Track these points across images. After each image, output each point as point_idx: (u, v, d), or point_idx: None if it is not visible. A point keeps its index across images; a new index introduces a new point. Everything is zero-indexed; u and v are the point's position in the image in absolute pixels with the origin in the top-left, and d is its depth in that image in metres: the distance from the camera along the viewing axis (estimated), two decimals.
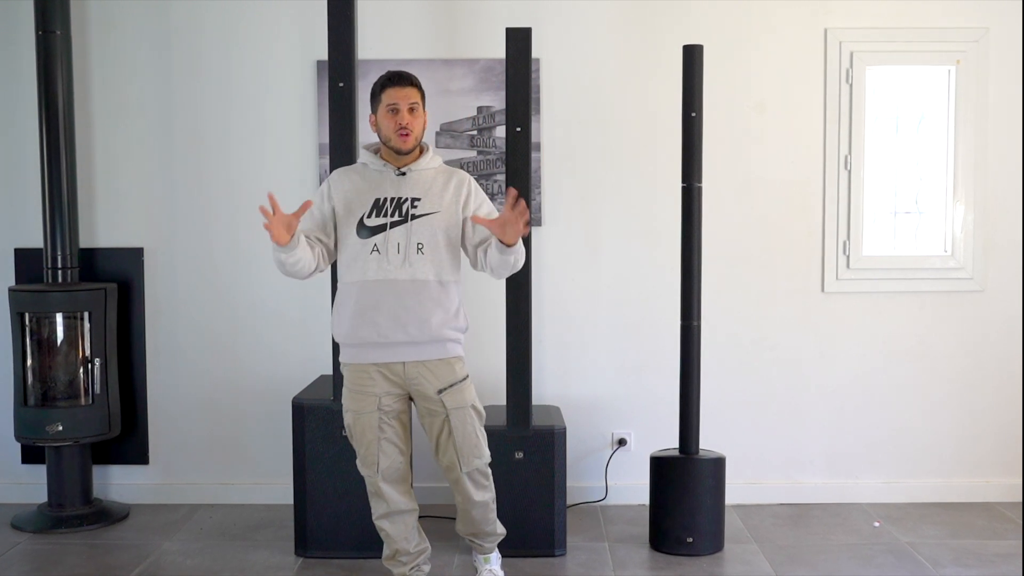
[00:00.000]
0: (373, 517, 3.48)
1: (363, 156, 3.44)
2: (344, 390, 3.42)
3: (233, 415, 4.66)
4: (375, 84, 3.36)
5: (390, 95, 3.29)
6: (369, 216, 3.30)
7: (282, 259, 3.23)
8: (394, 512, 3.44)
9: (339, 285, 3.42)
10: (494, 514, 3.61)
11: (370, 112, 3.39)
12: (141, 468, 4.68)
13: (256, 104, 4.59)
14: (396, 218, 3.29)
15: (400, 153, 3.32)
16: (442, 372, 3.34)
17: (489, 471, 3.50)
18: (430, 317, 3.29)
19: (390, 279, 3.28)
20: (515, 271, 3.39)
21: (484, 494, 3.49)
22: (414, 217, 3.30)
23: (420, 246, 3.28)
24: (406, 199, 3.31)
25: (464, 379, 3.39)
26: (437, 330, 3.31)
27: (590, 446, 4.65)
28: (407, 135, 3.28)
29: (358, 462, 3.44)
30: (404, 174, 3.34)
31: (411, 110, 3.29)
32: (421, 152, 3.39)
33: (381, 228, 3.29)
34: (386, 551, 3.52)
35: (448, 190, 3.36)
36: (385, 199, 3.31)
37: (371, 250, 3.28)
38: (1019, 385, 4.64)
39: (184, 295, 4.64)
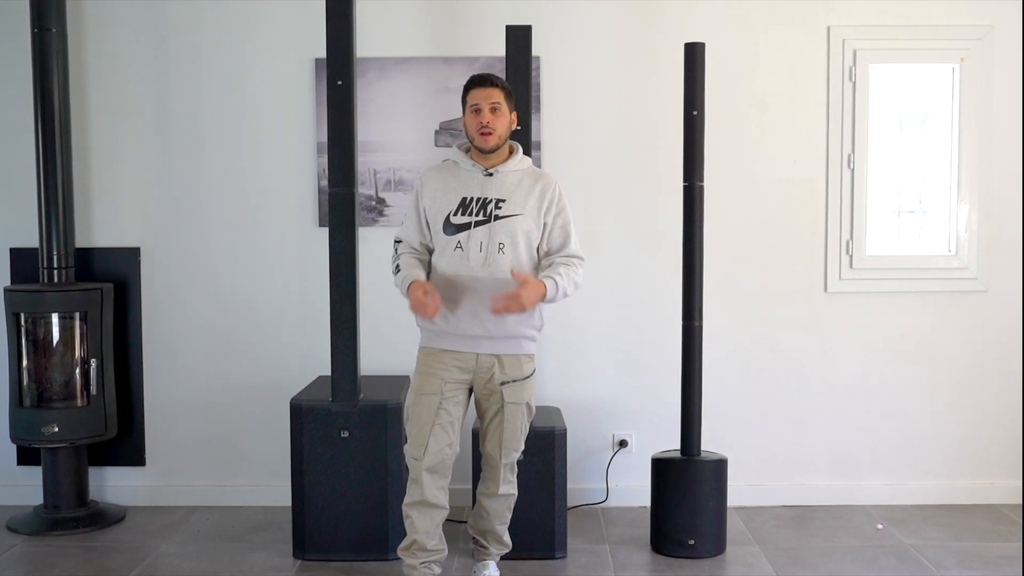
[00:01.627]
0: (404, 503, 3.54)
1: (453, 154, 3.53)
2: (414, 372, 3.55)
3: (231, 416, 4.64)
4: (463, 87, 3.48)
5: (473, 96, 3.41)
6: (455, 214, 3.43)
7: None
8: (425, 504, 3.49)
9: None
10: (509, 514, 3.68)
11: (461, 115, 3.52)
12: (137, 470, 4.65)
13: (254, 102, 4.56)
14: (480, 218, 3.41)
15: (483, 151, 3.43)
16: (511, 366, 3.48)
17: (516, 467, 3.62)
18: (507, 315, 3.39)
19: (472, 276, 3.40)
20: (572, 295, 3.52)
21: (509, 488, 3.61)
22: (497, 218, 3.41)
23: (501, 246, 3.40)
24: (491, 200, 3.42)
25: (529, 376, 3.52)
26: (513, 327, 3.44)
27: (591, 447, 4.62)
28: (488, 134, 3.39)
29: (407, 447, 3.52)
30: (491, 175, 3.45)
31: (493, 110, 3.39)
32: (511, 153, 3.49)
33: (465, 226, 3.41)
34: (405, 541, 3.55)
35: (533, 193, 3.45)
36: (471, 198, 3.43)
37: (455, 247, 3.41)
38: (1020, 386, 4.61)
39: (181, 295, 4.61)
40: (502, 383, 3.47)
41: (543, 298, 3.38)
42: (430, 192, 3.49)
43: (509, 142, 3.50)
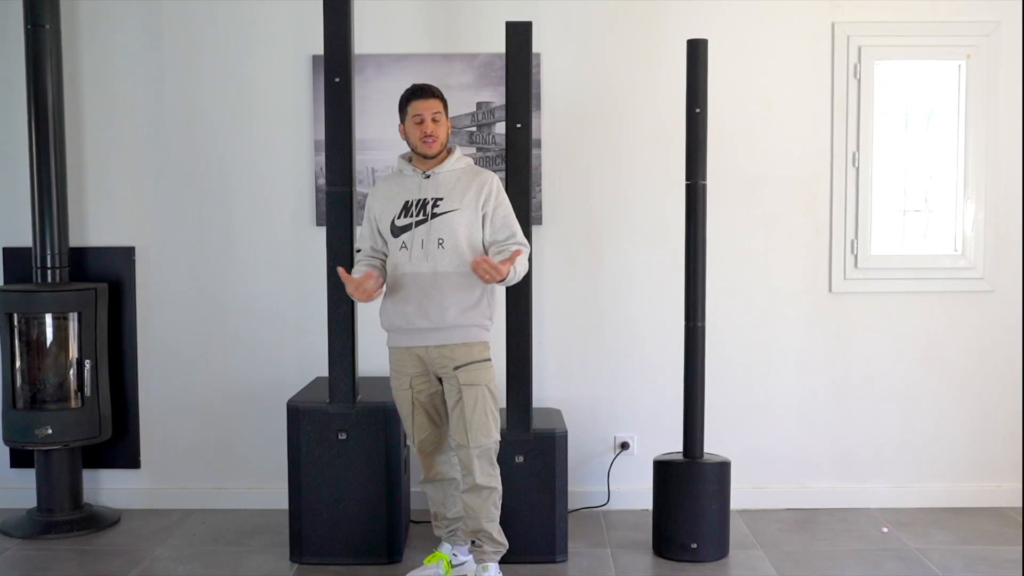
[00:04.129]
0: (419, 481, 3.89)
1: (399, 163, 3.74)
2: (389, 371, 3.79)
3: (227, 418, 4.60)
4: (401, 98, 3.68)
5: (414, 107, 3.62)
6: (399, 217, 3.65)
7: None
8: (431, 480, 3.82)
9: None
10: (497, 511, 3.69)
11: (399, 122, 3.70)
12: (132, 472, 4.62)
13: (250, 100, 4.53)
14: (420, 217, 3.62)
15: (426, 157, 3.64)
16: (460, 353, 3.62)
17: (496, 463, 3.67)
18: (450, 305, 3.58)
19: (415, 272, 3.60)
20: (518, 280, 3.66)
21: (490, 480, 3.65)
22: (435, 215, 3.60)
23: (441, 241, 3.59)
24: (430, 199, 3.63)
25: (483, 360, 3.64)
26: (457, 317, 3.59)
27: (592, 450, 4.59)
28: (431, 142, 3.61)
29: (405, 431, 3.85)
30: (429, 177, 3.65)
31: (434, 120, 3.61)
32: (448, 155, 3.69)
33: (408, 227, 3.62)
34: (430, 511, 3.90)
35: (470, 189, 3.64)
36: (412, 201, 3.65)
37: (400, 247, 3.63)
38: (1020, 387, 4.57)
39: (176, 295, 4.58)
40: (456, 367, 3.60)
41: (501, 279, 3.51)
42: (378, 202, 3.70)
43: (447, 146, 3.70)
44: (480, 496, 3.63)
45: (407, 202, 3.63)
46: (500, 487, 3.68)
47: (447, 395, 3.67)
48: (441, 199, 3.61)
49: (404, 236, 3.61)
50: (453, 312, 3.57)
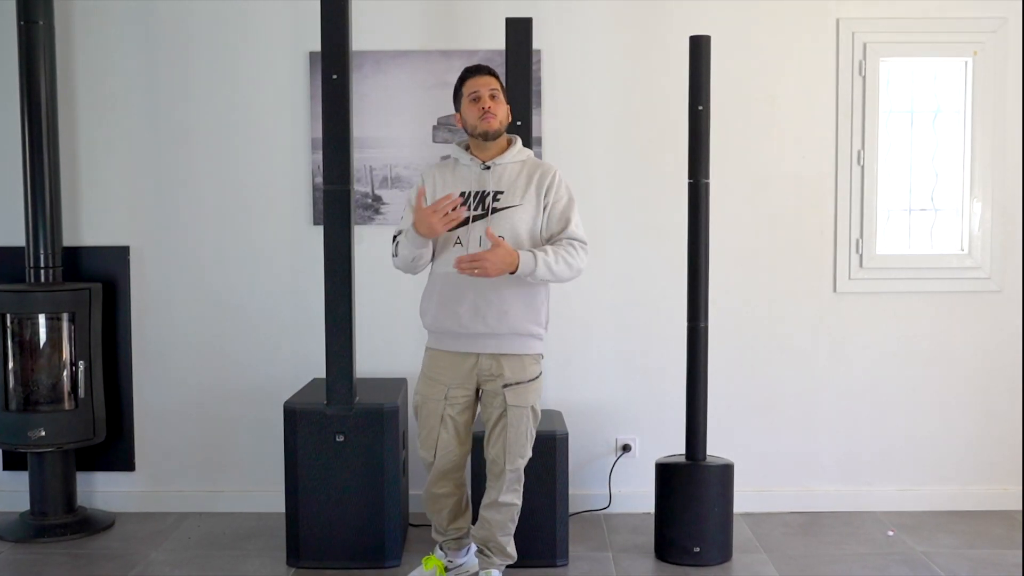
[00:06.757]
0: (424, 488, 3.68)
1: (453, 151, 3.55)
2: (420, 373, 3.59)
3: (222, 420, 4.57)
4: (456, 82, 3.49)
5: (470, 85, 3.43)
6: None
7: (417, 254, 3.41)
8: (437, 495, 3.64)
9: (430, 274, 3.54)
10: (512, 526, 3.64)
11: (454, 112, 3.53)
12: (127, 475, 4.58)
13: (246, 97, 4.49)
14: (479, 211, 3.40)
15: (487, 138, 3.41)
16: (514, 367, 3.44)
17: (523, 477, 3.58)
18: (509, 309, 3.39)
19: None
20: (570, 279, 3.49)
21: (513, 497, 3.56)
22: (495, 210, 3.40)
23: (501, 239, 3.34)
24: (489, 192, 3.42)
25: (533, 379, 3.48)
26: (515, 323, 3.41)
27: (593, 452, 4.55)
28: (491, 117, 3.38)
29: (419, 440, 3.60)
30: (489, 168, 3.45)
31: (492, 96, 3.41)
32: (508, 145, 3.48)
33: (464, 221, 3.38)
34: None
35: (532, 183, 3.44)
36: (470, 193, 3.43)
37: (454, 242, 3.41)
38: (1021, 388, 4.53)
39: (172, 295, 4.54)
40: (504, 385, 3.44)
41: (513, 268, 3.30)
42: (431, 190, 3.48)
43: (507, 135, 3.50)
44: (500, 512, 3.56)
45: (463, 193, 3.41)
46: (520, 502, 3.60)
47: (487, 406, 3.51)
48: (502, 192, 3.41)
49: (459, 231, 3.39)
50: (513, 316, 3.39)
